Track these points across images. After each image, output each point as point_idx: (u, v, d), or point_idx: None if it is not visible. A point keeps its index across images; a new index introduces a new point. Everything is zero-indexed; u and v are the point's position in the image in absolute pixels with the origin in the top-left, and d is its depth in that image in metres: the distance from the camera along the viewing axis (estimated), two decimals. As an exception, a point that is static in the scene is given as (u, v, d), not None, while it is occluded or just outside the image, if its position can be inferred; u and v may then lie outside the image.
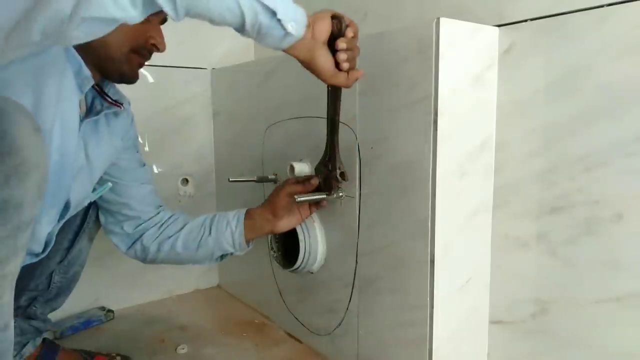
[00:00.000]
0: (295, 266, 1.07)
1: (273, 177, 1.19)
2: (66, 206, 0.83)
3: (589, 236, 0.79)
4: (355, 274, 0.99)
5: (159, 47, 0.84)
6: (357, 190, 0.95)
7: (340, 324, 1.05)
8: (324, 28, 0.71)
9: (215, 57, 1.51)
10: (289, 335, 1.23)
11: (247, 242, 1.02)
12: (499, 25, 0.88)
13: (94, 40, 0.61)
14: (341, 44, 0.72)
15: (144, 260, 1.04)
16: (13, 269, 0.60)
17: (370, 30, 0.90)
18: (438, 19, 0.77)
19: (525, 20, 0.85)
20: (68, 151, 0.77)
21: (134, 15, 0.54)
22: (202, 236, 1.00)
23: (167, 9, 0.55)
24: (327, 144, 0.92)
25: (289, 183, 0.98)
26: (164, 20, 0.85)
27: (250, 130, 1.30)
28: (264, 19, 0.62)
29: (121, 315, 1.36)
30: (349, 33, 0.73)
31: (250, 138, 1.30)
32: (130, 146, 0.99)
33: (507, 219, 0.90)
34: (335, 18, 0.72)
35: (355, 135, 0.94)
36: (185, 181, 1.50)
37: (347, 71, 0.76)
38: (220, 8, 0.59)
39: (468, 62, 0.84)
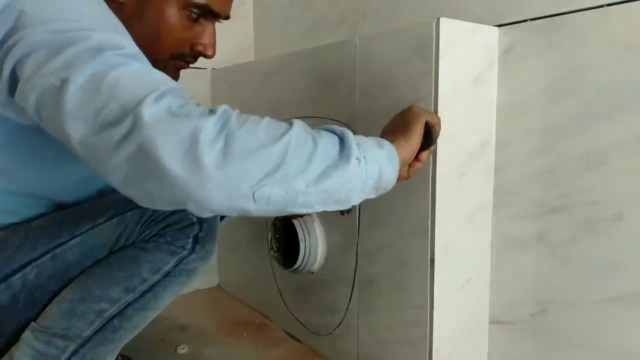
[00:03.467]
0: (295, 266, 1.07)
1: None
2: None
3: (589, 236, 0.79)
4: (355, 274, 0.99)
5: (206, 54, 0.75)
6: (357, 190, 0.95)
7: (340, 324, 1.05)
8: (412, 151, 0.67)
9: (215, 57, 1.50)
10: (289, 335, 1.23)
11: None
12: (499, 25, 0.88)
13: (136, 36, 0.63)
14: (424, 156, 0.70)
15: None
16: None
17: (370, 30, 0.90)
18: (438, 19, 0.77)
19: (525, 20, 0.84)
20: None
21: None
22: None
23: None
24: None
25: None
26: (217, 20, 0.76)
27: (250, 130, 1.30)
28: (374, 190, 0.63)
29: (121, 315, 1.36)
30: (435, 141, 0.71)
31: (250, 138, 1.30)
32: None
33: (507, 219, 0.90)
34: (427, 127, 0.69)
35: (355, 135, 0.94)
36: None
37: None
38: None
39: (468, 62, 0.84)
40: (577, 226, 0.81)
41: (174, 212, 0.73)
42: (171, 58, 0.73)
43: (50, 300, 0.73)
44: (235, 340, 1.21)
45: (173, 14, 0.69)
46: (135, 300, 0.73)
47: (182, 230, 0.74)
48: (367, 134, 0.92)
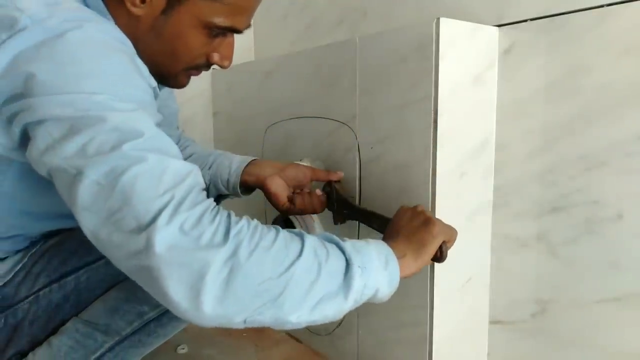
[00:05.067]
0: (295, 266, 1.07)
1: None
2: None
3: (589, 236, 0.79)
4: (355, 274, 0.99)
5: (222, 65, 0.73)
6: (357, 190, 0.95)
7: (340, 324, 1.05)
8: (417, 270, 0.67)
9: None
10: (289, 335, 1.23)
11: (243, 187, 0.93)
12: (499, 25, 0.88)
13: (145, 59, 0.62)
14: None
15: None
16: None
17: (370, 30, 0.90)
18: (438, 18, 0.77)
19: (525, 20, 0.84)
20: None
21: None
22: (202, 169, 0.94)
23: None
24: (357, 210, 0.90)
25: (320, 174, 0.94)
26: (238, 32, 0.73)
27: (250, 130, 1.30)
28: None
29: (121, 315, 1.36)
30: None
31: (250, 138, 1.30)
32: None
33: (507, 219, 0.90)
34: (440, 246, 0.69)
35: (355, 135, 0.94)
36: (185, 181, 1.50)
37: None
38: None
39: (468, 62, 0.84)
40: (577, 226, 0.81)
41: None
42: (185, 69, 0.71)
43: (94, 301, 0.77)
44: (235, 340, 1.21)
45: (192, 34, 0.66)
46: None
47: None
48: (367, 133, 0.92)
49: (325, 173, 0.94)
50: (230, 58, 0.73)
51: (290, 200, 0.90)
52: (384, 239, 0.67)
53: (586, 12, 0.76)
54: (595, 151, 0.77)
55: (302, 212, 0.92)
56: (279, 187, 0.89)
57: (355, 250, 0.59)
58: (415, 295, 0.86)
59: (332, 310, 0.56)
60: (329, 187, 0.92)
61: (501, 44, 0.88)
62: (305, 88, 1.07)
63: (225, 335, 1.24)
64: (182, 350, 1.15)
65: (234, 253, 0.50)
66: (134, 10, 0.63)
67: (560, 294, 0.84)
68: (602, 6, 0.74)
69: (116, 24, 0.63)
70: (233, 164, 0.92)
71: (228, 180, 0.92)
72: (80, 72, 0.53)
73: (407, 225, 0.70)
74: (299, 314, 0.54)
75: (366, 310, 0.98)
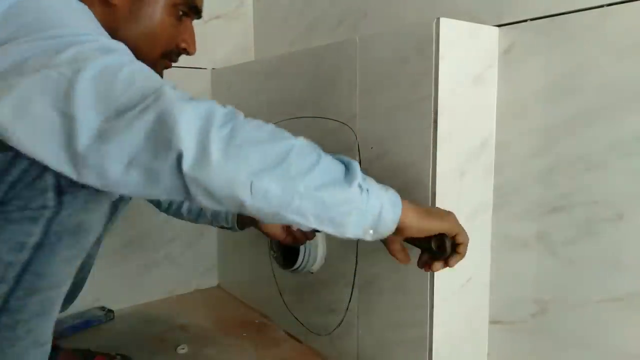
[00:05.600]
0: (295, 266, 1.07)
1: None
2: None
3: (589, 236, 0.79)
4: (355, 274, 0.99)
5: (189, 51, 0.79)
6: (357, 190, 0.95)
7: (340, 324, 1.05)
8: (420, 223, 0.67)
9: (215, 57, 1.51)
10: (289, 335, 1.23)
11: (242, 226, 1.04)
12: (499, 25, 0.88)
13: (127, 45, 0.64)
14: (436, 266, 0.72)
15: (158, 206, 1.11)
16: (67, 288, 0.62)
17: (370, 30, 0.90)
18: (438, 19, 0.77)
19: (525, 20, 0.84)
20: None
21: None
22: (202, 208, 1.04)
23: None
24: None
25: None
26: (196, 17, 0.80)
27: (250, 130, 1.30)
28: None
29: (121, 315, 1.36)
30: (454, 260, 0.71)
31: (250, 138, 1.30)
32: None
33: (507, 219, 0.90)
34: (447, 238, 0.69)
35: (355, 135, 0.94)
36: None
37: None
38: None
39: (468, 62, 0.84)
40: (577, 226, 0.81)
41: (11, 164, 0.57)
42: (161, 57, 0.77)
43: None
44: (235, 340, 1.21)
45: (165, 13, 0.73)
46: (14, 289, 0.61)
47: (32, 185, 0.57)
48: (367, 133, 0.92)
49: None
50: (194, 43, 0.80)
51: (288, 232, 0.99)
52: None
53: (586, 12, 0.76)
54: (595, 151, 0.77)
55: (303, 239, 0.99)
56: (273, 227, 1.00)
57: (353, 162, 0.60)
58: (415, 295, 0.86)
59: (338, 195, 0.56)
60: None
61: (501, 44, 0.88)
62: (305, 88, 1.07)
63: (225, 335, 1.24)
64: (182, 350, 1.15)
65: (233, 117, 0.53)
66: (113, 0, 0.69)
67: (560, 294, 0.84)
68: (602, 6, 0.74)
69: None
70: None
71: (226, 217, 1.04)
72: (67, 16, 0.57)
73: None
74: (306, 184, 0.54)
75: (366, 310, 0.98)
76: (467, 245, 0.71)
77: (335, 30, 1.27)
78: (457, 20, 0.80)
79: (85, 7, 0.64)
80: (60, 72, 0.50)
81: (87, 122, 0.50)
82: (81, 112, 0.50)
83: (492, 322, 0.95)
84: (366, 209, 0.59)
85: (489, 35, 0.87)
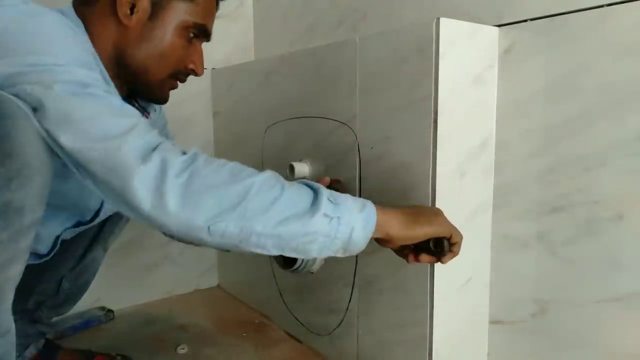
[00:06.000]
0: (295, 266, 1.07)
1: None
2: (96, 214, 0.85)
3: (589, 236, 0.79)
4: (355, 274, 0.99)
5: (197, 72, 0.81)
6: (357, 190, 0.95)
7: (340, 324, 1.05)
8: (406, 232, 0.67)
9: (215, 57, 1.51)
10: (289, 335, 1.23)
11: None
12: (499, 25, 0.88)
13: (137, 64, 0.70)
14: (427, 259, 0.72)
15: None
16: (14, 272, 0.60)
17: (370, 30, 0.90)
18: (438, 19, 0.77)
19: (525, 20, 0.84)
20: None
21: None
22: None
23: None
24: None
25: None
26: (206, 40, 0.82)
27: (250, 130, 1.30)
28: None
29: (121, 315, 1.36)
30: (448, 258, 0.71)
31: (250, 138, 1.30)
32: None
33: (507, 219, 0.90)
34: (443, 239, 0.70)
35: (355, 135, 0.94)
36: (185, 181, 1.50)
37: None
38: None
39: (468, 62, 0.84)
40: (577, 226, 0.81)
41: None
42: (169, 77, 0.78)
43: None
44: (235, 340, 1.22)
45: (176, 35, 0.75)
46: None
47: None
48: (367, 133, 0.92)
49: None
50: (202, 65, 0.81)
51: None
52: None
53: (586, 12, 0.76)
54: (595, 151, 0.77)
55: None
56: None
57: (322, 189, 0.61)
58: (415, 295, 0.86)
59: (298, 229, 0.57)
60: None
61: (501, 44, 0.88)
62: (305, 88, 1.07)
63: (225, 335, 1.24)
64: (182, 350, 1.15)
65: (192, 162, 0.55)
66: (125, 21, 0.70)
67: (560, 294, 0.84)
68: (602, 6, 0.74)
69: (100, 37, 0.70)
70: None
71: None
72: (48, 39, 0.59)
73: (407, 206, 0.72)
74: (265, 222, 0.56)
75: (366, 310, 0.98)
76: (460, 244, 0.72)
77: (335, 31, 1.27)
78: (457, 20, 0.80)
79: (79, 31, 0.66)
80: (28, 93, 0.55)
81: (65, 136, 0.55)
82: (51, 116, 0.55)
83: (492, 322, 0.95)
84: (335, 236, 0.60)
85: (489, 35, 0.87)
